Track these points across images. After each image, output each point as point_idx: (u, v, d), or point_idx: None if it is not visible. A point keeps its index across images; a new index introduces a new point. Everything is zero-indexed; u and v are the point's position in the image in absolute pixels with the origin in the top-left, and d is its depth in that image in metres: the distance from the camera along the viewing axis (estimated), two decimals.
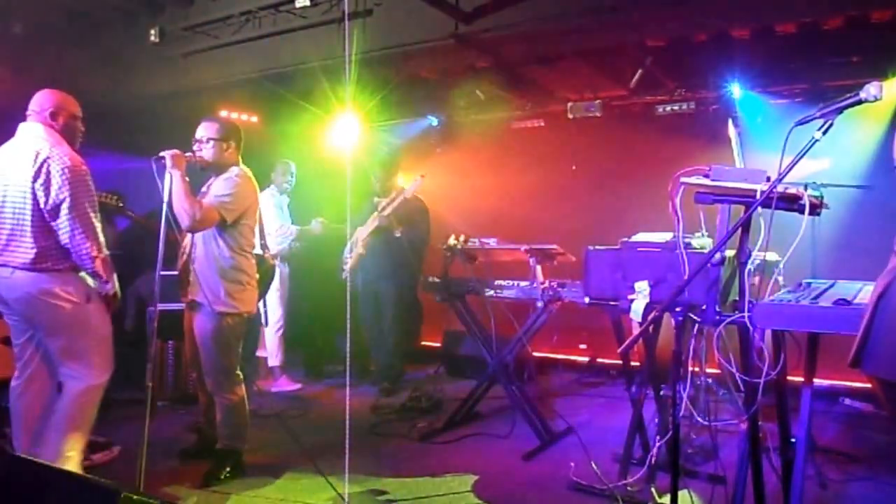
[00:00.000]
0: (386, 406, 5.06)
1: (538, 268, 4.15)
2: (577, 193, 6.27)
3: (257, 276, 3.71)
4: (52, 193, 3.06)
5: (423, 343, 6.78)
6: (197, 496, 3.38)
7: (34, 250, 3.08)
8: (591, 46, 4.98)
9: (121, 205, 4.16)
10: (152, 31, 5.53)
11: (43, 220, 3.09)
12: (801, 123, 2.22)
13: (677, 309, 2.64)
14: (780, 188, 2.32)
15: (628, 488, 3.35)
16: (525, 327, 4.21)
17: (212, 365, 3.56)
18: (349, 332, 4.17)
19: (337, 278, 5.43)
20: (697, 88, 5.62)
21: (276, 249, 5.28)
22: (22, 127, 3.21)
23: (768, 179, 2.46)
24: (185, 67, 5.66)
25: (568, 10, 4.21)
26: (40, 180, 3.05)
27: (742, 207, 2.46)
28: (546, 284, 4.07)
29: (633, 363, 3.73)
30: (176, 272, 3.68)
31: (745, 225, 2.49)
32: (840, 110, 2.17)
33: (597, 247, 3.19)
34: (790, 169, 2.17)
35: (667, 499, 2.58)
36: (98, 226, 3.20)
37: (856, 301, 2.27)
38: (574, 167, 6.48)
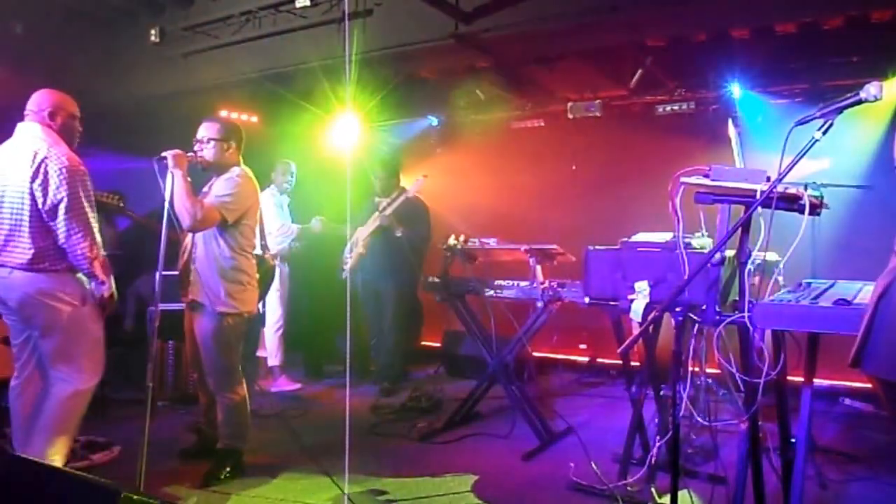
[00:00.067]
0: (386, 406, 5.06)
1: (538, 268, 4.15)
2: (577, 193, 6.27)
3: (257, 276, 3.71)
4: (50, 194, 3.06)
5: (423, 343, 6.77)
6: (197, 496, 3.38)
7: (32, 251, 3.07)
8: (591, 46, 4.98)
9: (122, 204, 4.15)
10: (152, 31, 5.54)
11: (41, 221, 3.09)
12: (801, 123, 2.22)
13: (677, 309, 2.64)
14: (780, 188, 2.32)
15: (628, 488, 3.35)
16: (525, 327, 4.21)
17: (213, 365, 3.57)
18: (349, 332, 4.19)
19: (337, 278, 5.44)
20: (697, 88, 5.62)
21: (277, 249, 5.27)
22: (20, 127, 3.21)
23: (768, 179, 2.46)
24: (185, 67, 5.66)
25: (568, 10, 4.21)
26: (38, 180, 3.05)
27: (742, 207, 2.46)
28: (546, 284, 4.07)
29: (633, 363, 3.73)
30: (176, 272, 3.68)
31: (745, 225, 2.49)
32: (840, 110, 2.17)
33: (597, 247, 3.19)
34: (790, 169, 2.17)
35: (667, 499, 2.58)
36: (96, 226, 3.19)
37: (856, 301, 2.27)
38: (574, 167, 6.47)
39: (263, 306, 5.04)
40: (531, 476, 3.71)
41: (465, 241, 4.37)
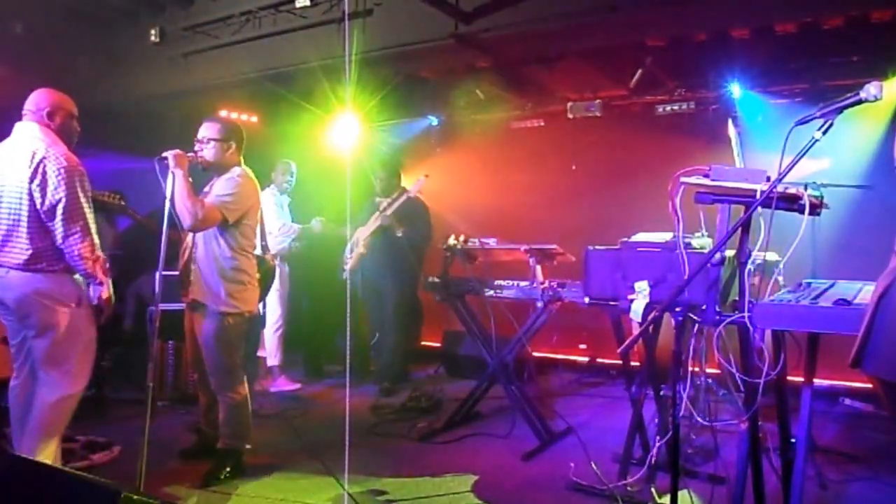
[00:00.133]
0: (386, 406, 5.06)
1: (538, 268, 4.16)
2: (577, 193, 6.26)
3: (258, 276, 3.71)
4: (49, 194, 3.04)
5: (423, 343, 6.77)
6: (197, 496, 3.38)
7: (29, 251, 3.06)
8: (591, 46, 4.98)
9: (123, 204, 4.16)
10: (152, 31, 5.54)
11: (39, 221, 3.07)
12: (801, 123, 2.22)
13: (677, 309, 2.64)
14: (780, 188, 2.32)
15: (628, 488, 3.35)
16: (525, 327, 4.21)
17: (214, 364, 3.57)
18: (349, 332, 4.18)
19: (337, 278, 5.44)
20: (697, 88, 5.62)
21: (277, 249, 5.28)
22: (18, 126, 3.19)
23: (768, 179, 2.46)
24: (185, 67, 5.66)
25: (568, 10, 4.21)
26: (37, 181, 3.04)
27: (742, 207, 2.46)
28: (546, 284, 4.07)
29: (633, 363, 3.73)
30: (177, 272, 3.68)
31: (745, 225, 2.49)
32: (840, 110, 2.17)
33: (597, 247, 3.18)
34: (790, 169, 2.17)
35: (667, 499, 2.58)
36: (94, 227, 3.18)
37: (856, 301, 2.27)
38: (574, 167, 6.48)
39: (264, 306, 5.03)
40: (531, 476, 3.71)
41: (465, 241, 4.37)
